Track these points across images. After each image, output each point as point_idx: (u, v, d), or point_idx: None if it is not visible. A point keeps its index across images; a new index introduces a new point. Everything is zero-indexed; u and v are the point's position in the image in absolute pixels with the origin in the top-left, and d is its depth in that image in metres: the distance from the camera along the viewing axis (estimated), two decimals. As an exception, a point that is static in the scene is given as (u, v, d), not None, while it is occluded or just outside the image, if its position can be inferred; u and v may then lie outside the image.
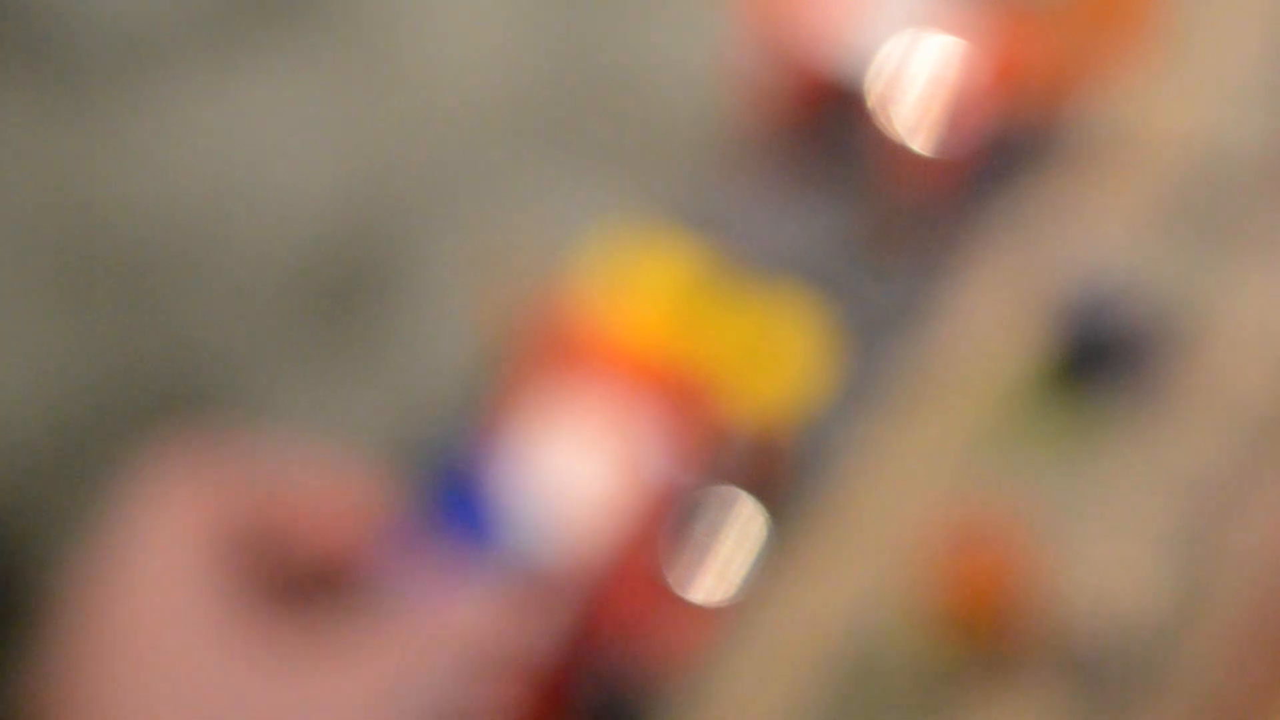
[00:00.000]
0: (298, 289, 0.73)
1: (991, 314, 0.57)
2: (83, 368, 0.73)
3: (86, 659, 0.39)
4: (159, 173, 0.76)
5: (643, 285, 0.55)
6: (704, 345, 0.54)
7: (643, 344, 0.54)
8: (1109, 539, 0.53)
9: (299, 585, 0.43)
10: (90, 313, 0.74)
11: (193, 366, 0.72)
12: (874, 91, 0.57)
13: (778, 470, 0.54)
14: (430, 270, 0.71)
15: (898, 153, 0.57)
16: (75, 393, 0.73)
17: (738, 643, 0.53)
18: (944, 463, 0.55)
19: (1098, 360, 0.55)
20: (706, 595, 0.53)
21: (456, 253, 0.69)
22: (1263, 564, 0.52)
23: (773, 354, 0.54)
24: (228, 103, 0.77)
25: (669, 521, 0.52)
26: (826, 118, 0.58)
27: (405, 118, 0.75)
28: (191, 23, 0.79)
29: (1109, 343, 0.55)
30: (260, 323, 0.73)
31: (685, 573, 0.52)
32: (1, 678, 0.62)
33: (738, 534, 0.53)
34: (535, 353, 0.54)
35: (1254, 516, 0.53)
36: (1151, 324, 0.56)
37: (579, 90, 0.72)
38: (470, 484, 0.52)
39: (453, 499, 0.51)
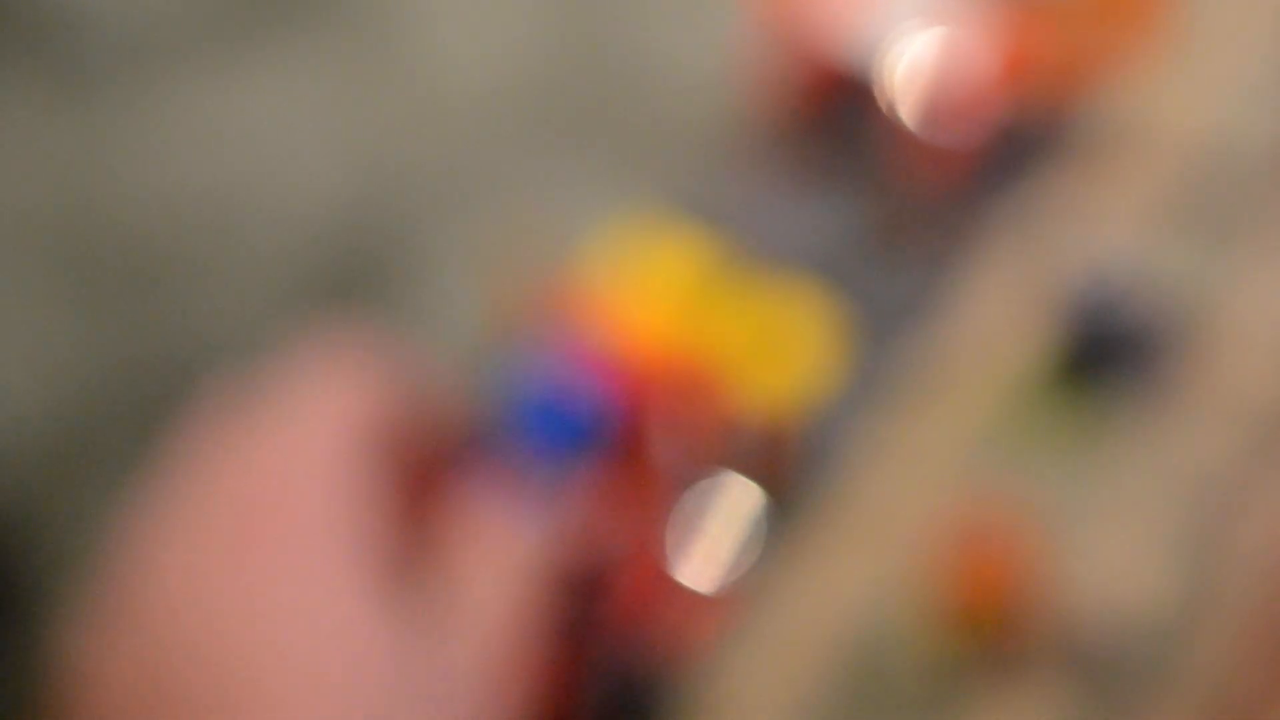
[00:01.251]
0: (305, 285, 0.73)
1: (999, 308, 0.57)
2: (89, 364, 0.73)
3: (211, 512, 0.38)
4: (166, 169, 0.76)
5: (652, 278, 0.55)
6: (713, 338, 0.54)
7: (652, 336, 0.54)
8: (1115, 535, 0.53)
9: (407, 488, 0.42)
10: (97, 309, 0.74)
11: (200, 363, 0.72)
12: (883, 84, 0.58)
13: (786, 462, 0.54)
14: (440, 264, 0.71)
15: (907, 146, 0.57)
16: (81, 389, 0.73)
17: (743, 634, 0.52)
18: (951, 457, 0.55)
19: (1105, 356, 0.55)
20: (712, 587, 0.53)
21: (466, 247, 0.69)
22: (1270, 562, 0.52)
23: (782, 347, 0.54)
24: (234, 99, 0.77)
25: (676, 512, 0.52)
26: (836, 110, 0.59)
27: (413, 113, 0.75)
28: (197, 19, 0.79)
29: (1116, 338, 0.55)
30: (267, 319, 0.73)
31: (691, 564, 0.52)
32: (4, 670, 0.62)
33: (745, 526, 0.53)
34: (544, 346, 0.54)
35: (1261, 514, 0.53)
36: (1159, 320, 0.56)
37: (589, 83, 0.72)
38: (538, 393, 0.51)
39: (525, 409, 0.51)
